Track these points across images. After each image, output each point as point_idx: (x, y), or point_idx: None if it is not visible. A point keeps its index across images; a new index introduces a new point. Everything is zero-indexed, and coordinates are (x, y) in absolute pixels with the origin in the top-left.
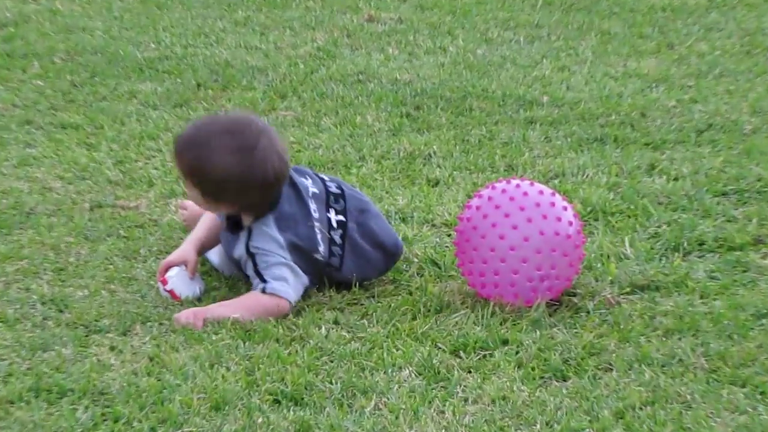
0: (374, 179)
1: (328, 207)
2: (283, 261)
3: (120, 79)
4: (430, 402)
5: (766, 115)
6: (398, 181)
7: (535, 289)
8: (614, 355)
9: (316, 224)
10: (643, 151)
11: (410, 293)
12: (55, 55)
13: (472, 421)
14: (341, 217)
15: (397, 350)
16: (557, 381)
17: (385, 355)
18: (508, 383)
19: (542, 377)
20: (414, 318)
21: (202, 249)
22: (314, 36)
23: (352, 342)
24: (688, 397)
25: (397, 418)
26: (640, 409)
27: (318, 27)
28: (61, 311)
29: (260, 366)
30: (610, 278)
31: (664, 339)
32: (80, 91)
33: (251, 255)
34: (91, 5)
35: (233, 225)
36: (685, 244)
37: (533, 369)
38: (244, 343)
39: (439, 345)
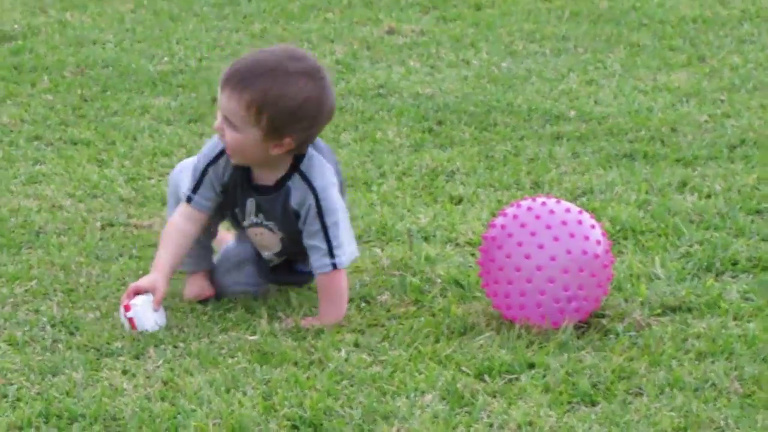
0: (395, 197)
1: None
2: (344, 211)
3: (132, 93)
4: (454, 428)
5: None
6: (420, 198)
7: (562, 310)
8: (645, 379)
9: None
10: (674, 167)
11: (433, 315)
12: (65, 69)
13: None
14: None
15: (420, 374)
16: (586, 406)
17: (407, 379)
18: (534, 408)
19: (570, 402)
20: (437, 340)
21: (171, 276)
22: (333, 49)
23: (373, 365)
24: (722, 423)
25: None
26: None
27: (337, 39)
28: (71, 334)
29: (278, 390)
30: (640, 299)
31: (696, 362)
32: (91, 106)
33: (319, 204)
34: (103, 17)
35: (281, 181)
36: (718, 264)
37: (561, 393)
38: (261, 366)
39: (464, 369)
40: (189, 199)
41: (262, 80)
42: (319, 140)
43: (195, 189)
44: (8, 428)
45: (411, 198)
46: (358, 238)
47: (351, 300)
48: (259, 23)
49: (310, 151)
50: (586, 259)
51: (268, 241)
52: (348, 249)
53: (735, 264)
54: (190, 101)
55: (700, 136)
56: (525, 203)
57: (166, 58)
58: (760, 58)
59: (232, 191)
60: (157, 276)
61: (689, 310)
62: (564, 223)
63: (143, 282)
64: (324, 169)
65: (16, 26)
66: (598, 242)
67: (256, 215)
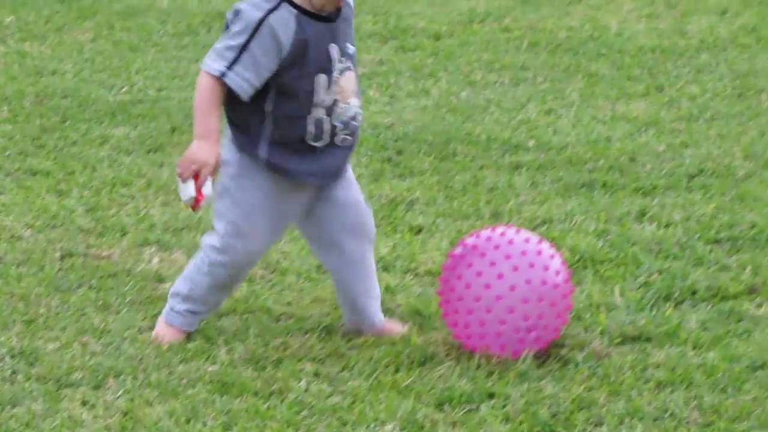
0: None
1: None
2: None
3: (91, 123)
4: None
5: (759, 159)
6: (380, 228)
7: (522, 340)
8: (604, 409)
9: None
10: (633, 197)
11: (393, 344)
12: (24, 99)
13: None
14: None
15: (380, 404)
16: None
17: (367, 409)
18: None
19: None
20: (397, 370)
21: None
22: None
23: (333, 396)
24: None
25: None
26: None
27: None
28: (31, 365)
29: (238, 421)
30: (599, 329)
31: (656, 392)
32: (50, 136)
33: None
34: (62, 47)
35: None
36: (677, 294)
37: (521, 423)
38: (221, 397)
39: (423, 399)
40: (223, 75)
41: None
42: None
43: (233, 63)
44: None
45: None
46: (318, 269)
47: (312, 329)
48: None
49: None
50: (545, 288)
51: (354, 82)
52: None
53: (694, 293)
54: (150, 131)
55: (659, 165)
56: (484, 233)
57: (125, 88)
58: (717, 88)
59: (315, 46)
60: (215, 149)
61: (648, 339)
62: (523, 253)
63: (211, 161)
64: None
65: None
66: (558, 272)
67: (341, 60)
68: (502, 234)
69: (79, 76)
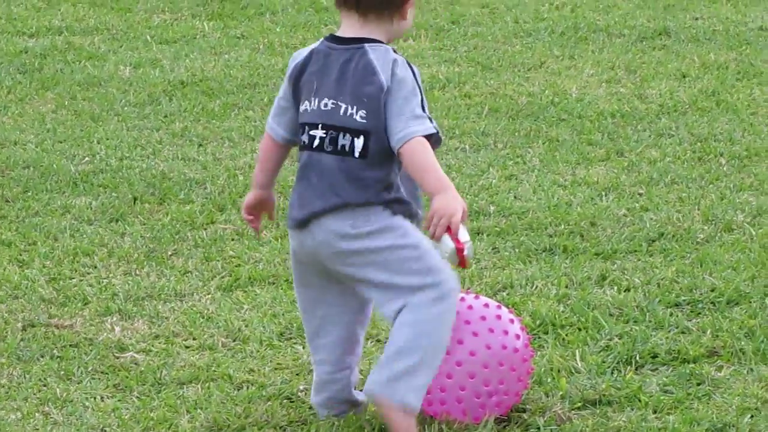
0: None
1: None
2: None
3: (53, 193)
4: None
5: (719, 223)
6: None
7: (483, 405)
8: None
9: None
10: (594, 261)
11: (355, 411)
12: None
13: None
14: None
15: None
16: None
17: None
18: None
19: None
20: None
21: None
22: (254, 147)
23: None
24: None
25: None
26: None
27: (258, 137)
28: None
29: None
30: (560, 393)
31: None
32: (12, 207)
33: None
34: (23, 118)
35: None
36: (638, 357)
37: None
38: None
39: None
40: (436, 130)
41: None
42: None
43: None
44: None
45: None
46: (280, 336)
47: (274, 396)
48: (180, 122)
49: None
50: (505, 353)
51: None
52: None
53: (655, 357)
54: (111, 200)
55: (619, 229)
56: None
57: (87, 158)
58: (677, 152)
59: None
60: (457, 195)
61: (609, 403)
62: (483, 318)
63: (459, 207)
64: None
65: None
66: (518, 336)
67: None
68: (462, 300)
69: (41, 146)
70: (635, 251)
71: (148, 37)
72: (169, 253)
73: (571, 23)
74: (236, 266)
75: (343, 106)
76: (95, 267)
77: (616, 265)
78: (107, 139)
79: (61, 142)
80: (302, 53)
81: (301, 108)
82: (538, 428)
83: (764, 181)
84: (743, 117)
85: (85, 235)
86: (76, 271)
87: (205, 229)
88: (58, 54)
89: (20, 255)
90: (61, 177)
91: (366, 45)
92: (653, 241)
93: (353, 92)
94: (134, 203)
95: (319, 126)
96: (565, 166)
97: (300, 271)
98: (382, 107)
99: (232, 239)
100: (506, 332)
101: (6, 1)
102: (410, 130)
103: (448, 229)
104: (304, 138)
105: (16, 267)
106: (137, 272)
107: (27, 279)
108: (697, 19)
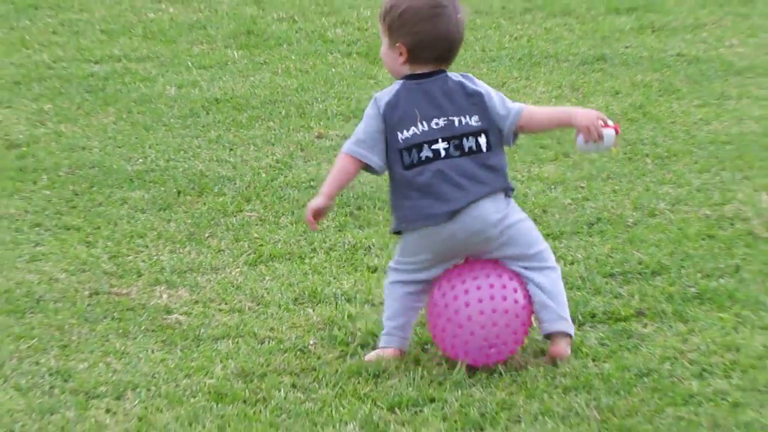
0: (324, 267)
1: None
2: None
3: (113, 188)
4: None
5: (645, 210)
6: (344, 268)
7: (487, 354)
8: (522, 409)
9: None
10: (545, 240)
11: (354, 360)
12: (60, 170)
13: None
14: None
15: (344, 408)
16: (476, 431)
17: (333, 412)
18: None
19: (463, 428)
20: (358, 381)
21: None
22: (273, 150)
23: (307, 402)
24: None
25: None
26: None
27: (277, 143)
28: (65, 381)
29: (230, 423)
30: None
31: (563, 395)
32: (81, 199)
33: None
34: (90, 128)
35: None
36: (580, 317)
37: (455, 422)
38: (217, 404)
39: (378, 403)
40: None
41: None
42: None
43: None
44: None
45: (336, 268)
46: (294, 301)
47: (290, 349)
48: (214, 131)
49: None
50: (507, 315)
51: None
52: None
53: (593, 317)
54: (160, 193)
55: (565, 215)
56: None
57: (140, 160)
58: (611, 154)
59: None
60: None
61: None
62: (491, 286)
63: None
64: (392, 87)
65: (20, 136)
66: (516, 301)
67: None
68: (482, 268)
69: (104, 150)
70: (578, 233)
71: (189, 63)
72: (206, 235)
73: (527, 51)
74: (260, 246)
75: (456, 118)
76: (147, 246)
77: (563, 244)
78: (157, 145)
79: (119, 147)
80: (388, 93)
81: (405, 135)
82: (501, 374)
83: (681, 176)
84: (664, 125)
85: (139, 221)
86: (131, 249)
87: (235, 216)
88: (118, 77)
89: (87, 237)
90: (120, 175)
91: (445, 73)
92: (592, 224)
93: (460, 106)
94: (178, 196)
95: (439, 140)
96: (522, 165)
97: (418, 264)
98: (488, 108)
99: (256, 224)
100: (505, 298)
101: (76, 35)
102: (515, 107)
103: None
104: (425, 153)
105: (84, 247)
106: (180, 251)
107: (92, 256)
108: (627, 47)
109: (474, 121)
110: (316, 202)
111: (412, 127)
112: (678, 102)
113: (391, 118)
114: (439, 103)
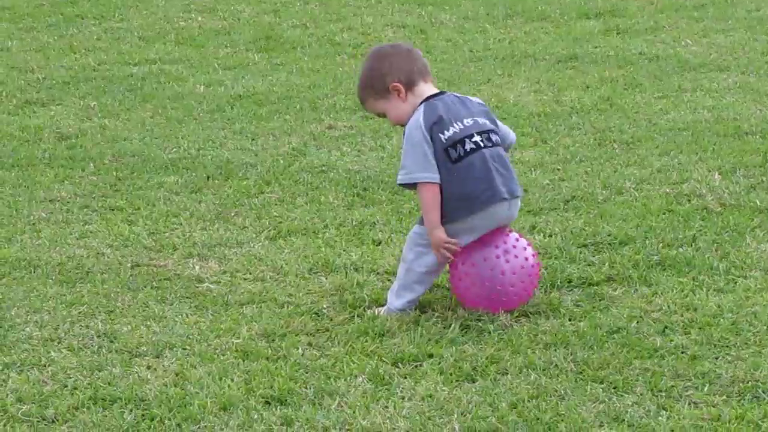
0: (335, 241)
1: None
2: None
3: (151, 173)
4: (377, 400)
5: (613, 189)
6: (352, 242)
7: (503, 301)
8: (509, 363)
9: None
10: (526, 216)
11: (363, 322)
12: (104, 158)
13: (408, 413)
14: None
15: (354, 364)
16: (468, 382)
17: (345, 367)
18: (433, 385)
19: (457, 380)
20: (366, 340)
21: None
22: (290, 140)
23: (321, 358)
24: (562, 392)
25: (354, 412)
26: (528, 401)
27: (292, 133)
28: (111, 341)
29: (255, 377)
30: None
31: (544, 350)
32: (123, 183)
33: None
34: (130, 122)
35: None
36: (558, 282)
37: (451, 374)
38: (243, 361)
39: (383, 359)
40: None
41: (357, 87)
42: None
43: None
44: (68, 409)
45: (345, 242)
46: (309, 271)
47: (306, 312)
48: (238, 123)
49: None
50: (522, 271)
51: None
52: (402, 171)
53: (570, 282)
54: (192, 178)
55: (544, 194)
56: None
57: (174, 149)
58: (584, 140)
59: None
60: None
61: (539, 314)
62: (514, 246)
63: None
64: (416, 113)
65: (70, 129)
66: (527, 258)
67: None
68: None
69: (143, 141)
70: (555, 209)
71: (216, 65)
72: (232, 214)
73: (509, 52)
74: (279, 223)
75: (479, 119)
76: (181, 224)
77: (542, 219)
78: (188, 136)
79: (156, 138)
80: (419, 116)
81: (446, 134)
82: (490, 332)
83: (644, 159)
84: (629, 115)
85: (173, 203)
86: (167, 227)
87: (257, 197)
88: (154, 77)
89: (129, 216)
90: (157, 162)
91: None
92: (568, 201)
93: (475, 110)
94: (207, 180)
95: (475, 134)
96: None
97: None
98: (491, 113)
99: (276, 204)
100: (526, 258)
101: (117, 41)
102: (512, 134)
103: None
104: (470, 145)
105: (126, 225)
106: (210, 228)
107: (134, 233)
108: (596, 47)
109: (489, 122)
110: (440, 235)
111: (450, 128)
112: (641, 95)
113: (433, 131)
114: (460, 107)
